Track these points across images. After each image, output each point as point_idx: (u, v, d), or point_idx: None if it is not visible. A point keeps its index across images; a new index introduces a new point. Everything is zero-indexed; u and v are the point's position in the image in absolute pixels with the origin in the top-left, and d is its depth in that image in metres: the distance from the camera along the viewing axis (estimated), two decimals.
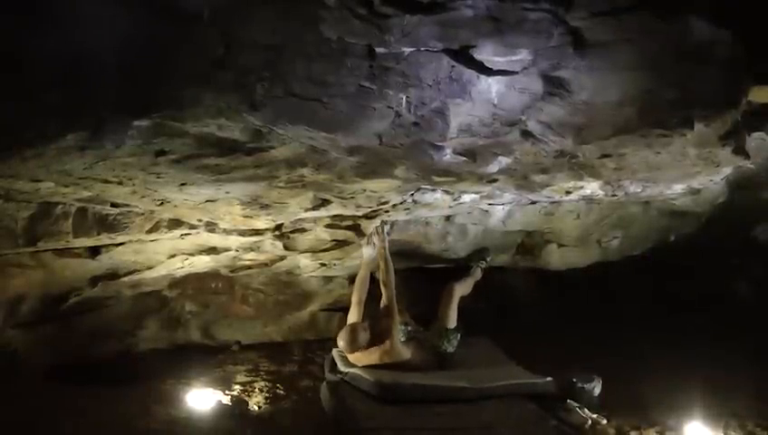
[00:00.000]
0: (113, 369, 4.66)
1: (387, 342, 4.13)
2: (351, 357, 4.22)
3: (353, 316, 4.43)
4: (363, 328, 4.20)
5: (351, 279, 5.59)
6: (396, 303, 4.25)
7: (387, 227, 4.37)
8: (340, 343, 4.16)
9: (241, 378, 4.79)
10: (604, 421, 3.99)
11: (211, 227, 3.99)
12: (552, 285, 6.39)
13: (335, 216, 4.09)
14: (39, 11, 1.78)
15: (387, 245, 4.36)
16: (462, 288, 4.82)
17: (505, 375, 4.25)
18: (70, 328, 4.65)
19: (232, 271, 5.03)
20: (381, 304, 4.32)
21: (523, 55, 2.20)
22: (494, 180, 3.44)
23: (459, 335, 4.60)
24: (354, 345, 4.13)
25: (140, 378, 4.54)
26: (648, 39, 2.21)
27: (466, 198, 3.89)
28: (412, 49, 2.10)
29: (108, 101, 2.05)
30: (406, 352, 4.20)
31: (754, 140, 3.09)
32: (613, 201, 4.51)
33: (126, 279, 4.41)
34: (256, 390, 4.57)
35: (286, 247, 4.48)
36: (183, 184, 2.95)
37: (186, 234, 4.04)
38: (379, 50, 2.08)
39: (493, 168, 3.11)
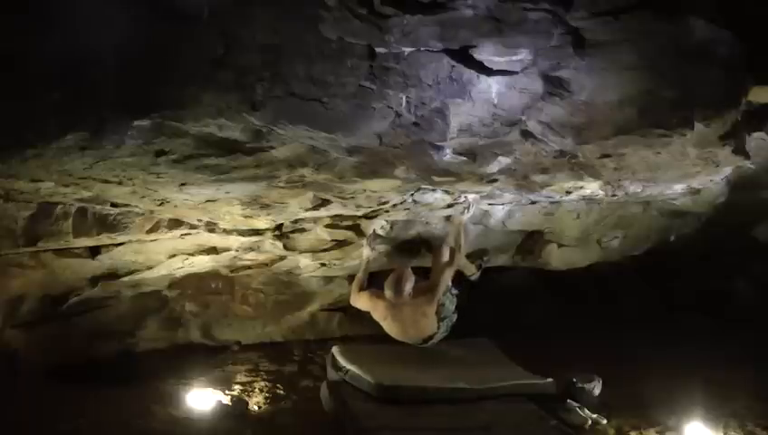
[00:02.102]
0: (113, 369, 4.66)
1: (430, 292, 4.00)
2: (380, 308, 4.07)
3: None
4: (410, 275, 4.05)
5: (351, 279, 5.60)
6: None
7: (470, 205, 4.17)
8: (387, 291, 4.02)
9: (241, 378, 4.80)
10: (604, 421, 3.99)
11: (211, 226, 3.99)
12: (552, 285, 6.39)
13: (335, 216, 4.09)
14: (39, 11, 1.78)
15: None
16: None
17: (505, 376, 4.25)
18: (70, 328, 4.65)
19: (232, 271, 5.03)
20: (440, 262, 4.22)
21: (524, 55, 2.20)
22: (494, 180, 3.44)
23: (457, 293, 4.47)
24: (400, 291, 3.95)
25: (140, 378, 4.54)
26: (647, 39, 2.21)
27: (470, 197, 3.92)
28: (412, 49, 2.11)
29: (108, 100, 2.06)
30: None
31: (754, 139, 3.09)
32: (613, 201, 4.51)
33: (126, 279, 4.42)
34: (256, 390, 4.57)
35: (286, 247, 4.48)
36: (183, 184, 2.96)
37: (186, 234, 4.04)
38: (379, 50, 2.08)
39: (493, 168, 3.12)
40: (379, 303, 4.13)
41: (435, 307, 4.05)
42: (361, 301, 4.27)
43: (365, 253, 4.43)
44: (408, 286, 3.99)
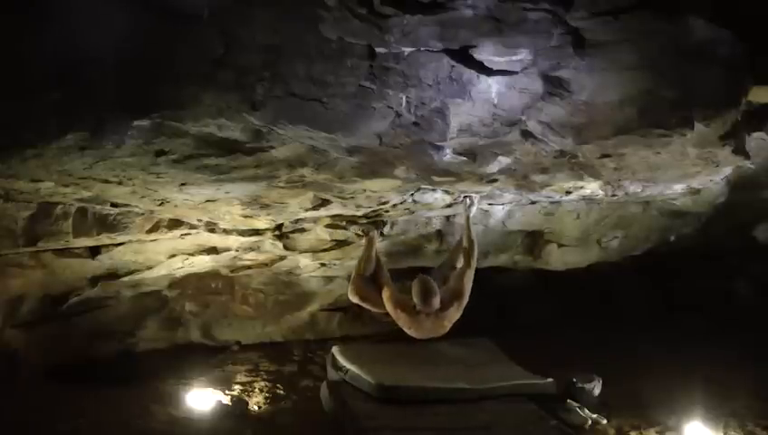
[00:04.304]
0: (113, 369, 4.66)
1: (456, 299, 3.70)
2: (403, 319, 3.75)
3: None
4: (434, 287, 3.69)
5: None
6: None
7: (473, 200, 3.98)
8: (416, 298, 3.66)
9: (241, 378, 4.80)
10: (604, 421, 3.99)
11: (211, 226, 3.99)
12: (552, 285, 6.39)
13: (335, 216, 4.09)
14: (38, 11, 1.78)
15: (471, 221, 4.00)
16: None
17: (505, 376, 4.25)
18: (70, 328, 4.66)
19: (232, 271, 5.04)
20: (455, 264, 3.95)
21: (524, 55, 2.20)
22: (494, 180, 3.44)
23: None
24: (428, 305, 3.62)
25: (140, 378, 4.54)
26: (647, 39, 2.21)
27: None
28: (412, 49, 2.11)
29: (107, 100, 2.06)
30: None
31: (754, 139, 3.08)
32: (613, 201, 4.51)
33: (126, 279, 4.42)
34: (256, 390, 4.58)
35: (286, 247, 4.48)
36: (183, 184, 2.96)
37: (186, 234, 4.04)
38: (379, 50, 2.08)
39: (493, 168, 3.11)
40: (402, 315, 3.82)
41: (461, 312, 3.78)
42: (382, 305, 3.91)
43: (373, 235, 4.18)
44: (436, 301, 3.68)
